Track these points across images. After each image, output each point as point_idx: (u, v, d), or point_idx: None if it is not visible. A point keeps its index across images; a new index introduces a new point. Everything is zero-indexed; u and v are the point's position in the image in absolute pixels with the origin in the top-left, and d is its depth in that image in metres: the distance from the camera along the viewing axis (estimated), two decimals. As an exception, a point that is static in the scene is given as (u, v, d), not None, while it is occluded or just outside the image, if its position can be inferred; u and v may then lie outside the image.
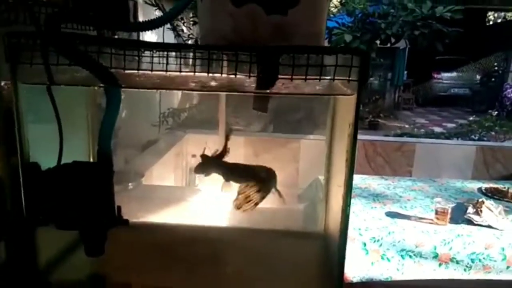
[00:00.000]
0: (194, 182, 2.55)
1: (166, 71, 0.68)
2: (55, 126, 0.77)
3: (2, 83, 0.74)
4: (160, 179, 2.70)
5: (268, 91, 0.73)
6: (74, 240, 0.87)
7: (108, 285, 0.81)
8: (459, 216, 2.04)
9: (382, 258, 1.94)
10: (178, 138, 3.53)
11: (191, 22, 4.30)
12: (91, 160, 0.96)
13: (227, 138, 0.94)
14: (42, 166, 0.80)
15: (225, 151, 0.94)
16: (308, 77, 0.67)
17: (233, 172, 0.94)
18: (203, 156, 0.95)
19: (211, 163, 0.94)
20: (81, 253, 0.81)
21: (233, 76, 0.70)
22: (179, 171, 3.11)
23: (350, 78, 0.65)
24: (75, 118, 0.96)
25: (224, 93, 0.84)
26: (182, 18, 4.15)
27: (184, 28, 4.29)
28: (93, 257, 0.81)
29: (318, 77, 0.67)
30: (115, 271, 0.87)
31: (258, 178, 0.93)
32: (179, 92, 4.35)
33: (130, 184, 2.09)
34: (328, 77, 0.67)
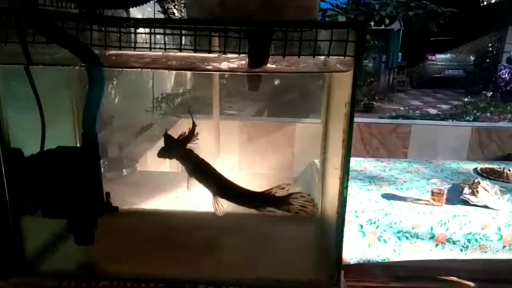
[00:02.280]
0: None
1: (150, 48, 0.64)
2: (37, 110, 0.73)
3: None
4: (154, 165, 2.67)
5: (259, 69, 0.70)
6: (63, 228, 0.84)
7: (99, 274, 0.78)
8: (455, 197, 2.03)
9: (379, 240, 1.94)
10: (172, 124, 3.49)
11: (182, 5, 4.21)
12: (78, 145, 0.92)
13: (193, 122, 0.79)
14: (25, 153, 0.76)
15: (191, 134, 0.79)
16: (301, 54, 0.63)
17: (197, 169, 0.79)
18: (167, 137, 0.80)
19: (175, 149, 0.79)
20: (70, 242, 0.78)
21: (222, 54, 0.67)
22: (173, 157, 3.07)
23: (347, 54, 0.61)
24: (59, 101, 0.91)
25: (214, 72, 0.78)
26: (173, 0, 4.06)
27: (175, 11, 4.20)
28: (83, 246, 0.78)
29: (312, 54, 0.63)
30: (106, 259, 0.85)
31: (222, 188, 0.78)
32: (172, 77, 4.29)
33: (124, 170, 2.06)
34: (323, 54, 0.63)
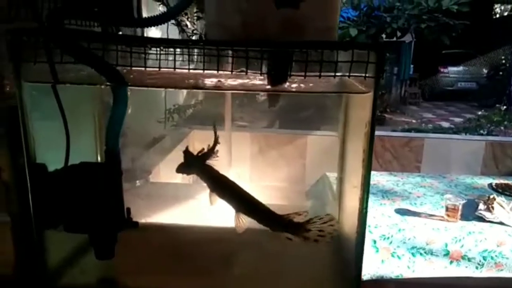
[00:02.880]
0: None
1: (174, 68, 0.66)
2: (61, 126, 0.75)
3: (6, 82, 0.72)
4: (167, 176, 2.69)
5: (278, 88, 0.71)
6: (84, 242, 0.86)
7: (118, 288, 0.79)
8: (470, 212, 2.00)
9: (393, 255, 1.92)
10: (184, 135, 3.52)
11: (195, 17, 4.27)
12: (99, 160, 0.94)
13: (215, 138, 0.79)
14: (49, 167, 0.78)
15: (212, 151, 0.79)
16: (322, 74, 0.64)
17: (218, 185, 0.79)
18: (186, 154, 0.80)
19: (195, 165, 0.80)
20: (91, 256, 0.79)
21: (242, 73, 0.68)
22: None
23: (367, 75, 0.62)
24: (82, 118, 0.94)
25: (234, 91, 0.79)
26: (186, 13, 4.13)
27: (188, 24, 4.27)
28: (103, 260, 0.79)
29: (332, 74, 0.64)
30: (126, 274, 0.86)
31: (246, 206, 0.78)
32: (184, 90, 4.33)
33: (137, 181, 2.08)
34: (344, 74, 0.64)
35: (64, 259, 0.87)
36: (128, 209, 0.78)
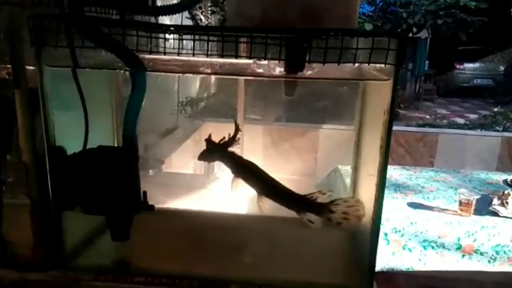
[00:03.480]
0: (213, 170, 2.56)
1: (194, 54, 0.66)
2: (79, 110, 0.76)
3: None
4: (179, 166, 2.72)
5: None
6: (100, 225, 0.87)
7: (134, 270, 0.81)
8: (483, 207, 1.98)
9: (404, 248, 1.92)
10: (197, 127, 3.54)
11: (209, 12, 4.28)
12: (115, 144, 0.95)
13: (236, 127, 0.82)
14: (67, 151, 0.79)
15: (233, 139, 0.82)
16: (341, 61, 0.64)
17: (243, 170, 0.81)
18: (208, 142, 0.83)
19: (217, 152, 0.82)
20: (107, 238, 0.81)
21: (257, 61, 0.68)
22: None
23: (388, 62, 0.62)
24: (100, 103, 0.95)
25: (250, 77, 0.79)
26: (200, 7, 4.14)
27: (202, 18, 4.27)
28: (119, 242, 0.81)
29: (352, 61, 0.64)
30: (141, 256, 0.87)
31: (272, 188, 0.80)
32: (197, 81, 4.35)
33: (150, 171, 2.11)
34: (363, 61, 0.64)
35: (81, 241, 0.88)
36: (145, 193, 0.79)
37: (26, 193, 0.80)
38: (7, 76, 0.74)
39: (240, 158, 0.83)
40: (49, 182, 0.78)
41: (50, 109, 0.75)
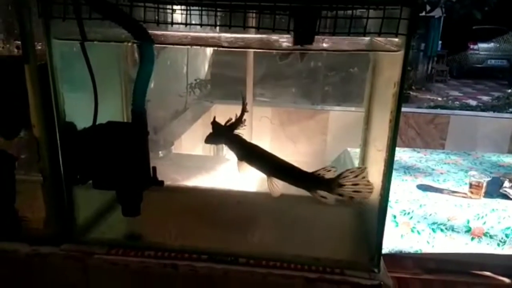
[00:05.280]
0: (222, 151, 2.57)
1: (201, 25, 0.65)
2: (88, 85, 0.76)
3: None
4: (189, 148, 2.73)
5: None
6: (112, 199, 0.89)
7: (143, 245, 0.82)
8: (494, 190, 1.96)
9: (412, 231, 1.91)
10: (206, 109, 3.54)
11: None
12: (125, 120, 0.95)
13: (243, 107, 0.80)
14: (77, 126, 0.80)
15: (239, 121, 0.80)
16: (351, 32, 0.62)
17: (248, 152, 0.80)
18: (214, 124, 0.82)
19: (223, 134, 0.81)
20: (118, 213, 0.82)
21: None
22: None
23: (399, 32, 0.60)
24: (109, 78, 0.95)
25: (258, 50, 0.78)
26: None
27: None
28: (130, 217, 0.82)
29: (362, 32, 0.62)
30: (151, 231, 0.89)
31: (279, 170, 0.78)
32: (206, 63, 4.33)
33: (160, 152, 2.12)
34: (374, 32, 0.62)
35: (93, 215, 0.90)
36: (154, 168, 0.79)
37: (38, 168, 0.81)
38: (16, 51, 0.74)
39: (245, 141, 0.81)
40: (60, 158, 0.78)
41: (59, 84, 0.76)
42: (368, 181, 0.73)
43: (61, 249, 0.81)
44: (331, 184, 0.75)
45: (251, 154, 0.80)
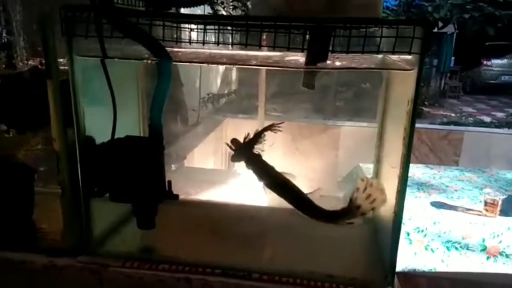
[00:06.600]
0: (233, 165, 2.58)
1: (218, 43, 0.67)
2: (107, 101, 0.78)
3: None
4: (201, 162, 2.75)
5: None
6: (127, 213, 0.90)
7: (157, 258, 0.83)
8: (510, 208, 1.93)
9: (426, 249, 1.89)
10: (218, 123, 3.58)
11: (231, 7, 4.30)
12: (142, 134, 0.97)
13: (267, 127, 0.79)
14: (96, 140, 0.82)
15: (257, 137, 0.78)
16: (365, 51, 0.63)
17: (267, 176, 0.78)
18: (234, 143, 0.81)
19: (245, 152, 0.79)
20: (133, 226, 0.83)
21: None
22: (218, 155, 3.15)
23: (412, 51, 0.61)
24: (127, 93, 0.97)
25: (271, 68, 0.79)
26: (222, 3, 4.16)
27: (224, 13, 4.30)
28: (145, 230, 0.83)
29: (376, 51, 0.64)
30: (166, 244, 0.89)
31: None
32: (218, 78, 4.39)
33: (173, 165, 2.15)
34: (388, 50, 0.63)
35: (109, 228, 0.91)
36: (169, 182, 0.81)
37: (57, 181, 0.83)
38: (39, 66, 0.77)
39: (264, 163, 0.80)
40: (79, 171, 0.80)
41: (80, 99, 0.78)
42: (375, 186, 0.72)
43: (77, 261, 0.82)
44: (350, 213, 0.74)
45: (270, 180, 0.80)
